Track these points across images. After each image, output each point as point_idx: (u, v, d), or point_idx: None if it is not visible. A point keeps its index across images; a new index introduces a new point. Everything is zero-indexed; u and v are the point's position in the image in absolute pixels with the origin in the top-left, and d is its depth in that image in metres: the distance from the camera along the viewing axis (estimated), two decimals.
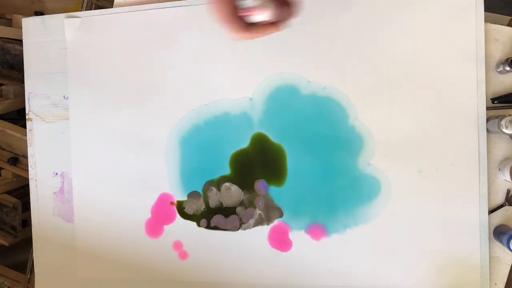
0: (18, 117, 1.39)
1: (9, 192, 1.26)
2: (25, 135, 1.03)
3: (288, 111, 0.81)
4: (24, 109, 0.94)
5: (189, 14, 0.84)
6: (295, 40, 0.80)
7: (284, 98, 0.81)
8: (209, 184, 0.84)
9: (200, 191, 0.84)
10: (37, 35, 0.91)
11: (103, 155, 0.88)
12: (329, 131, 0.79)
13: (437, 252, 0.76)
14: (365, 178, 0.78)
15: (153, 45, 0.85)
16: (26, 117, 0.92)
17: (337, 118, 0.79)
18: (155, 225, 0.87)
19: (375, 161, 0.78)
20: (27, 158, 0.94)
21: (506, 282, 0.77)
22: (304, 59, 0.80)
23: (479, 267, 0.75)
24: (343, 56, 0.79)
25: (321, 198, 0.80)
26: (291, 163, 0.81)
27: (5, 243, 1.23)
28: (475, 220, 0.75)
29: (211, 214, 0.84)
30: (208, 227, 0.84)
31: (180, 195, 0.85)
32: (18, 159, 1.25)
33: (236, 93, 0.82)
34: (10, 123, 1.25)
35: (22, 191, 1.28)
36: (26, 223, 1.27)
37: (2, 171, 1.27)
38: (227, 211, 0.84)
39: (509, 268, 0.77)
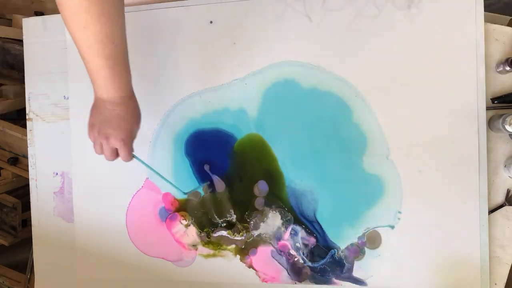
0: (18, 117, 1.39)
1: (9, 192, 1.25)
2: (25, 135, 1.03)
3: (287, 107, 0.80)
4: (24, 109, 0.94)
5: (188, 14, 0.84)
6: (298, 30, 0.80)
7: (283, 93, 0.81)
8: (210, 185, 0.84)
9: (201, 191, 0.84)
10: (38, 35, 0.91)
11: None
12: (332, 129, 0.79)
13: (437, 252, 0.76)
14: (369, 178, 0.78)
15: (152, 45, 0.85)
16: (27, 117, 0.92)
17: (340, 115, 0.79)
18: (156, 226, 0.87)
19: (378, 161, 0.78)
20: (27, 158, 0.94)
21: (506, 282, 0.77)
22: (307, 47, 0.80)
23: (479, 267, 0.75)
24: (345, 51, 0.79)
25: (324, 201, 0.80)
26: (289, 164, 0.81)
27: (5, 243, 1.23)
28: (475, 220, 0.75)
29: (215, 225, 0.85)
30: (210, 239, 0.85)
31: (180, 195, 0.85)
32: (18, 159, 1.25)
33: (230, 78, 0.82)
34: (10, 123, 1.25)
35: (22, 191, 1.28)
36: (26, 223, 1.27)
37: (2, 171, 1.27)
38: (230, 225, 0.84)
39: (509, 268, 0.77)
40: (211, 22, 0.83)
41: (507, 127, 0.69)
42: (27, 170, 0.94)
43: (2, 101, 1.26)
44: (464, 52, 0.75)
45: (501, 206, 0.77)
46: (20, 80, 1.26)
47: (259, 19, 0.81)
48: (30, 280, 0.99)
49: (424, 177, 0.77)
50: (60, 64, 0.90)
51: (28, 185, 0.94)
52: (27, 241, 1.10)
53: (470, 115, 0.75)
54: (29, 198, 0.93)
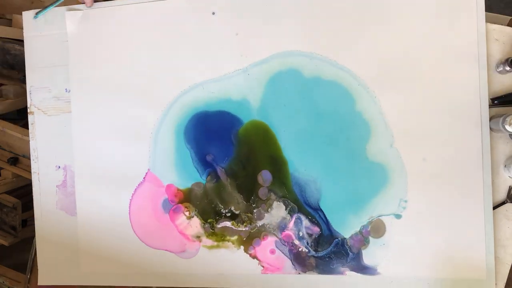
0: (18, 117, 1.39)
1: (9, 192, 1.25)
2: (25, 135, 1.03)
3: (290, 97, 0.81)
4: (24, 109, 0.94)
5: (191, 5, 0.84)
6: (300, 20, 0.80)
7: (286, 82, 0.81)
8: (213, 176, 0.84)
9: (203, 181, 0.84)
10: (38, 28, 0.91)
11: (106, 148, 0.88)
12: (335, 118, 0.79)
13: (442, 240, 0.77)
14: (372, 167, 0.78)
15: (155, 36, 0.85)
16: (28, 110, 0.92)
17: (343, 104, 0.79)
18: (159, 218, 0.86)
19: (382, 149, 0.78)
20: (27, 158, 0.94)
21: (506, 282, 0.77)
22: (307, 35, 0.80)
23: (484, 255, 0.76)
24: (348, 41, 0.79)
25: (328, 190, 0.80)
26: (292, 154, 0.81)
27: (5, 243, 1.23)
28: (480, 208, 0.76)
29: (219, 216, 0.84)
30: (214, 230, 0.85)
31: (184, 185, 0.85)
32: (18, 159, 1.25)
33: (233, 68, 0.83)
34: (10, 123, 1.25)
35: (22, 191, 1.28)
36: (26, 223, 1.27)
37: (2, 171, 1.27)
38: (234, 216, 0.84)
39: (509, 268, 0.77)
40: (213, 13, 0.83)
41: (507, 127, 0.69)
42: (27, 170, 0.94)
43: (2, 101, 1.26)
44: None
45: (503, 203, 0.77)
46: (20, 80, 1.26)
47: (261, 9, 0.81)
48: (30, 280, 0.99)
49: (428, 165, 0.77)
50: (61, 57, 0.90)
51: (28, 185, 0.94)
52: (27, 241, 1.10)
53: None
54: (29, 198, 0.93)
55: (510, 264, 0.77)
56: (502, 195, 0.77)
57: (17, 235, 1.25)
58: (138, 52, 0.86)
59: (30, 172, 0.94)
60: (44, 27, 0.91)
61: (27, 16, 0.91)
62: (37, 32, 0.91)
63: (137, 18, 0.86)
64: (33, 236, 0.94)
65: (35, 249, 0.94)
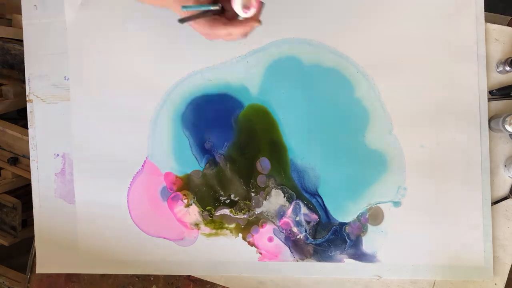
0: (18, 117, 1.39)
1: (9, 192, 1.25)
2: (25, 135, 1.03)
3: (289, 84, 0.80)
4: (24, 109, 0.94)
5: None
6: (299, 7, 0.80)
7: (285, 70, 0.81)
8: (211, 163, 0.83)
9: (202, 169, 0.84)
10: (37, 15, 0.90)
11: (104, 136, 0.87)
12: (334, 106, 0.79)
13: (440, 228, 0.77)
14: (371, 154, 0.78)
15: (153, 24, 0.85)
16: (27, 98, 0.92)
17: (342, 91, 0.79)
18: (157, 206, 0.86)
19: (381, 136, 0.78)
20: (27, 158, 0.94)
21: (506, 282, 0.77)
22: (309, 22, 0.80)
23: (482, 242, 0.76)
24: (347, 28, 0.79)
25: (326, 177, 0.80)
26: (291, 141, 0.81)
27: (5, 243, 1.24)
28: (477, 195, 0.76)
29: (217, 203, 0.84)
30: (212, 218, 0.84)
31: (182, 172, 0.85)
32: (18, 159, 1.25)
33: (231, 55, 0.82)
34: (10, 123, 1.25)
35: (22, 191, 1.28)
36: (26, 223, 1.27)
37: (2, 171, 1.27)
38: (232, 203, 0.84)
39: (509, 268, 0.77)
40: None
41: (507, 127, 0.69)
42: (27, 170, 0.94)
43: (2, 101, 1.26)
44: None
45: (504, 198, 0.77)
46: (20, 80, 1.26)
47: None
48: (30, 280, 0.99)
49: (427, 153, 0.77)
50: (60, 44, 0.89)
51: (28, 185, 0.94)
52: (27, 241, 1.10)
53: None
54: (29, 198, 0.93)
55: (510, 264, 0.77)
56: (501, 194, 0.77)
57: (17, 235, 1.25)
58: (137, 39, 0.86)
59: (30, 172, 0.94)
60: (43, 15, 0.90)
61: (26, 3, 0.90)
62: (36, 19, 0.91)
63: (135, 5, 0.85)
64: (33, 236, 0.95)
65: (35, 249, 0.94)
